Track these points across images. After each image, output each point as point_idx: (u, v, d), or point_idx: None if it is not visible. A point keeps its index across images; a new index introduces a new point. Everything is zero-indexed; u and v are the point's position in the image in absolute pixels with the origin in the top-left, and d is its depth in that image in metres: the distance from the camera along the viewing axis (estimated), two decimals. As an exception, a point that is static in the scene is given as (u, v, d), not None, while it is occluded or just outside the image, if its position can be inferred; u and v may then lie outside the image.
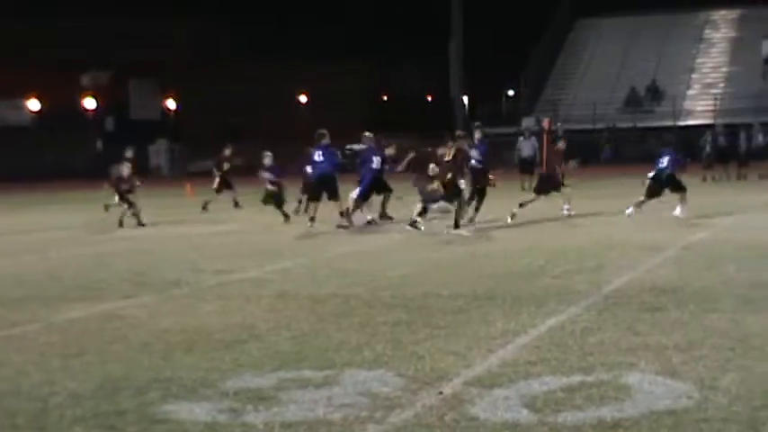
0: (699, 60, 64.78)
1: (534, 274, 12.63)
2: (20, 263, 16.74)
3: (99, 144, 77.13)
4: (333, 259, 15.31)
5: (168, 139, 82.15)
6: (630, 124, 58.91)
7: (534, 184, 21.56)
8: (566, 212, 21.00)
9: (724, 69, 63.34)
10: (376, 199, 21.78)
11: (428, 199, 19.31)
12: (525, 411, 6.34)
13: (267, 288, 12.17)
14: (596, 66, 65.69)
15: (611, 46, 66.87)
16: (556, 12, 67.36)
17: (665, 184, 20.16)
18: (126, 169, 23.93)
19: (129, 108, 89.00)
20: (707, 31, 67.08)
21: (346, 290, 11.72)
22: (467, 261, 14.43)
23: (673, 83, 61.80)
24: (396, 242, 17.75)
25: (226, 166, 28.66)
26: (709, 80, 62.96)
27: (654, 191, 20.26)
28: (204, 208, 27.55)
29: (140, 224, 23.13)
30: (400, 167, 21.37)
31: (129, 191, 23.57)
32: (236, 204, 28.24)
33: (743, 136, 38.35)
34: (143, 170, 32.55)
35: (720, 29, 67.43)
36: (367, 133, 21.91)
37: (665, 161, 20.35)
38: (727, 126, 41.96)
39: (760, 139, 39.81)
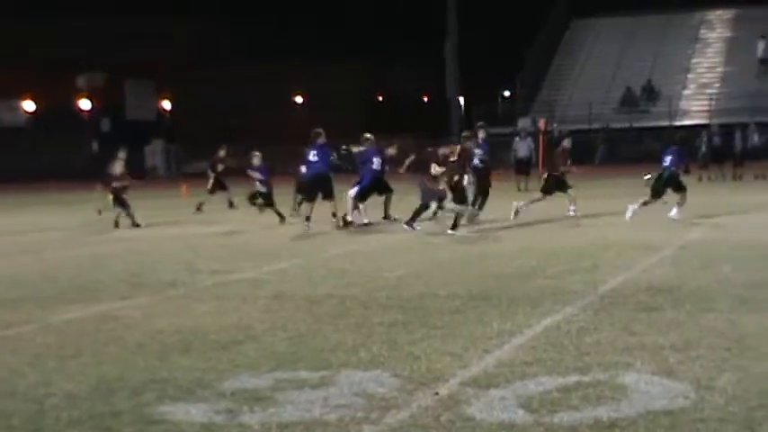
0: (694, 60, 64.78)
1: (530, 274, 12.64)
2: (15, 264, 16.73)
3: (95, 145, 77.04)
4: (329, 260, 15.30)
5: (164, 140, 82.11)
6: (626, 124, 58.93)
7: (542, 184, 21.42)
8: (571, 213, 20.84)
9: (719, 69, 63.34)
10: (377, 200, 21.65)
11: (429, 198, 19.32)
12: (521, 412, 6.34)
13: (263, 289, 12.16)
14: (592, 66, 65.67)
15: (607, 46, 66.85)
16: (551, 12, 67.33)
17: (665, 183, 20.10)
18: (118, 167, 23.85)
19: (125, 109, 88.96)
20: (702, 31, 67.09)
21: (342, 290, 11.73)
22: (463, 261, 14.43)
23: (668, 83, 61.80)
24: (392, 243, 17.74)
25: (220, 167, 28.67)
26: (704, 80, 62.96)
27: (657, 190, 20.21)
28: (198, 209, 27.55)
29: (135, 225, 23.10)
30: (402, 170, 21.36)
31: (122, 189, 23.47)
32: (231, 205, 28.24)
33: (738, 136, 38.39)
34: (139, 171, 32.50)
35: (716, 29, 67.44)
36: (367, 135, 21.87)
37: (668, 160, 20.31)
38: (722, 126, 42.01)
39: (755, 138, 39.80)
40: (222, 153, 29.09)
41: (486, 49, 78.06)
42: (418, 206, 19.40)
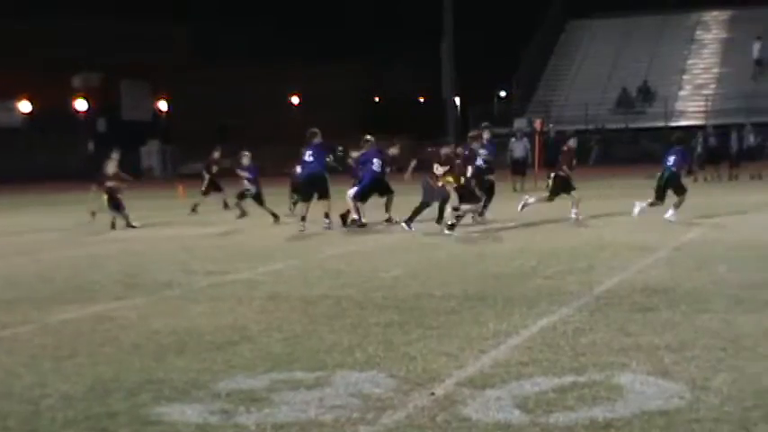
0: (690, 61, 64.85)
1: (526, 274, 12.64)
2: (11, 264, 16.73)
3: (90, 145, 77.08)
4: (325, 260, 15.30)
5: (160, 140, 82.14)
6: (622, 125, 59.00)
7: (550, 186, 21.20)
8: (573, 216, 20.61)
9: (715, 70, 63.43)
10: (377, 202, 21.58)
11: (431, 197, 19.32)
12: (517, 412, 6.34)
13: (259, 289, 12.16)
14: (588, 67, 65.73)
15: (603, 47, 66.91)
16: (547, 13, 67.36)
17: (665, 184, 20.05)
18: (111, 167, 23.81)
19: (121, 109, 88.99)
20: (698, 33, 67.17)
21: (338, 291, 11.72)
22: (459, 262, 14.43)
23: (664, 84, 61.86)
24: (389, 243, 17.74)
25: (215, 168, 28.66)
26: (700, 81, 63.04)
27: (658, 191, 20.14)
28: (194, 210, 27.55)
29: (129, 226, 23.08)
30: (407, 175, 21.30)
31: (117, 189, 23.43)
32: (226, 206, 28.21)
33: (734, 136, 38.48)
34: (135, 172, 32.44)
35: (712, 30, 67.51)
36: (368, 136, 21.84)
37: (671, 160, 20.27)
38: (717, 127, 42.10)
39: (751, 139, 39.90)
40: (217, 154, 29.08)
41: (482, 49, 78.18)
42: (418, 205, 19.40)
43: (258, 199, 23.42)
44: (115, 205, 23.31)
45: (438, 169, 19.05)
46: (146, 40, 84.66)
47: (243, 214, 23.36)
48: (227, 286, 12.71)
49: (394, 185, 21.42)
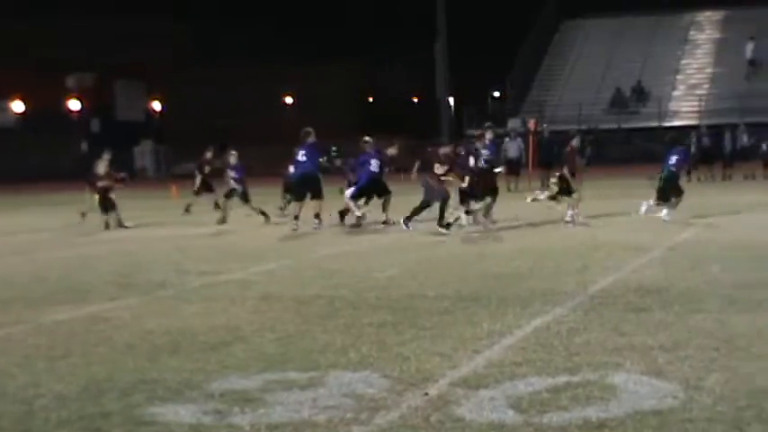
0: (684, 61, 64.90)
1: (520, 274, 12.65)
2: (5, 264, 16.70)
3: (84, 146, 76.98)
4: (318, 260, 15.29)
5: (153, 140, 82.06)
6: (615, 125, 59.04)
7: (558, 186, 21.11)
8: (568, 218, 20.47)
9: (709, 70, 63.48)
10: (376, 203, 21.55)
11: (432, 197, 19.32)
12: (511, 412, 6.35)
13: (252, 290, 12.15)
14: (582, 67, 65.74)
15: (597, 47, 66.93)
16: (541, 13, 67.38)
17: (664, 183, 20.02)
18: (102, 167, 23.74)
19: (115, 109, 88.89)
20: (692, 33, 67.21)
21: (331, 291, 11.72)
22: (452, 262, 14.43)
23: (658, 84, 61.90)
24: (382, 243, 17.74)
25: (207, 168, 28.62)
26: (693, 81, 63.08)
27: (660, 191, 20.10)
28: (187, 210, 27.52)
29: (121, 226, 23.02)
30: (413, 175, 21.26)
31: (108, 189, 23.36)
32: (217, 206, 28.16)
33: (728, 137, 38.54)
34: (128, 171, 32.36)
35: (705, 30, 67.56)
36: (367, 138, 21.82)
37: (674, 159, 20.24)
38: (711, 127, 42.14)
39: (744, 139, 39.96)
40: (209, 154, 29.04)
41: (476, 49, 78.16)
42: (418, 204, 19.40)
43: (245, 198, 23.43)
44: (105, 207, 23.23)
45: (438, 169, 19.10)
46: (137, 40, 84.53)
47: (223, 220, 22.85)
48: (221, 286, 12.70)
49: (394, 186, 21.41)
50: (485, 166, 20.94)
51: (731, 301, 9.98)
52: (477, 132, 21.14)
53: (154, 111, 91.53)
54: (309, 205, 20.50)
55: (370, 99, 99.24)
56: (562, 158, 21.26)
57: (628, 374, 7.15)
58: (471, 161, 20.30)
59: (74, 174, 44.40)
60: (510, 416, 6.27)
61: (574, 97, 60.92)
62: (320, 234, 19.70)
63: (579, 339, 8.40)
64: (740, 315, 9.27)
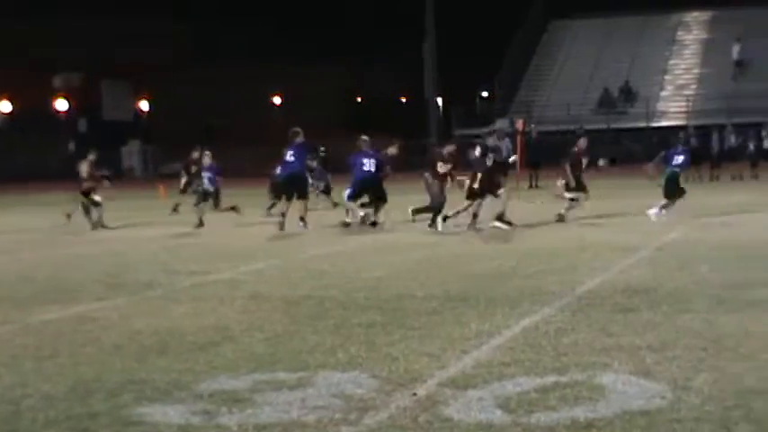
0: (671, 62, 65.06)
1: (508, 275, 12.66)
2: (-8, 265, 16.65)
3: (71, 146, 76.76)
4: (307, 260, 15.29)
5: (141, 140, 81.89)
6: (604, 125, 59.12)
7: (574, 185, 20.97)
8: (562, 212, 20.45)
9: (696, 71, 63.66)
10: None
11: (437, 196, 19.30)
12: (499, 412, 6.35)
13: (241, 289, 12.14)
14: (570, 67, 65.85)
15: (585, 47, 67.05)
16: (529, 13, 67.46)
17: (666, 183, 20.00)
18: (84, 167, 23.62)
19: (102, 109, 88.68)
20: (679, 33, 67.38)
21: (321, 291, 11.71)
22: (441, 262, 14.44)
23: (646, 84, 62.04)
24: (371, 244, 17.74)
25: (193, 168, 28.56)
26: (681, 81, 63.25)
27: (667, 191, 20.07)
28: (175, 210, 27.49)
29: (103, 226, 22.91)
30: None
31: (93, 189, 23.24)
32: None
33: (715, 137, 38.65)
34: (117, 172, 32.29)
35: (692, 31, 67.74)
36: (363, 137, 21.76)
37: (679, 160, 20.20)
38: (699, 127, 42.26)
39: (732, 140, 40.09)
40: (196, 155, 28.95)
41: (464, 49, 78.19)
42: (430, 205, 19.35)
43: (216, 199, 22.98)
44: (87, 208, 23.09)
45: (441, 167, 19.12)
46: (124, 40, 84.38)
47: (201, 224, 22.60)
48: (209, 286, 12.69)
49: (393, 186, 21.32)
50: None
51: (719, 301, 10.00)
52: (486, 131, 21.15)
53: (141, 110, 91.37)
54: (294, 206, 20.44)
55: (359, 99, 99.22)
56: (566, 158, 21.03)
57: (616, 375, 7.15)
58: (489, 160, 20.23)
59: (61, 174, 44.22)
60: (498, 416, 6.27)
61: (562, 97, 61.03)
62: (309, 234, 19.68)
63: (567, 340, 8.41)
64: (728, 315, 9.29)
